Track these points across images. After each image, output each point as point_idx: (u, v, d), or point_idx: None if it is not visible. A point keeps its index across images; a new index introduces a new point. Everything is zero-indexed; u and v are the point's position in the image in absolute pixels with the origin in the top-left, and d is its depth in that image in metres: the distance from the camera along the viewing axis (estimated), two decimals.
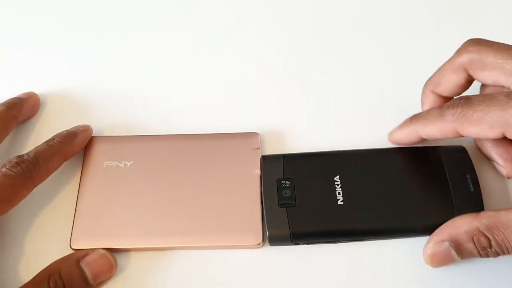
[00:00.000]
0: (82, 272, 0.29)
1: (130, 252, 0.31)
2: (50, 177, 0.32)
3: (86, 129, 0.34)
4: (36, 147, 0.32)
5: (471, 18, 0.41)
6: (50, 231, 0.32)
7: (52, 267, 0.29)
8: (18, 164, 0.30)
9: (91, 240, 0.31)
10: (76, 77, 0.39)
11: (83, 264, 0.29)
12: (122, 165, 0.33)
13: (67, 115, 0.37)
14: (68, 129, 0.34)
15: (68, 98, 0.38)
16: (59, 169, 0.32)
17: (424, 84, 0.33)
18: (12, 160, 0.30)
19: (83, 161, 0.33)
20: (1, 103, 0.34)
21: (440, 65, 0.32)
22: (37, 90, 0.37)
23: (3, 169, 0.29)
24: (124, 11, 0.43)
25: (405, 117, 0.33)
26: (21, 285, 0.28)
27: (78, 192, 0.32)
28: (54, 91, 0.38)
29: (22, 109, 0.35)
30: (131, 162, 0.33)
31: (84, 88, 0.38)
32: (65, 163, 0.33)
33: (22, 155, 0.30)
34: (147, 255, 0.31)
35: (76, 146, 0.33)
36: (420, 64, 0.37)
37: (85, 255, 0.30)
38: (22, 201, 0.30)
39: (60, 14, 0.43)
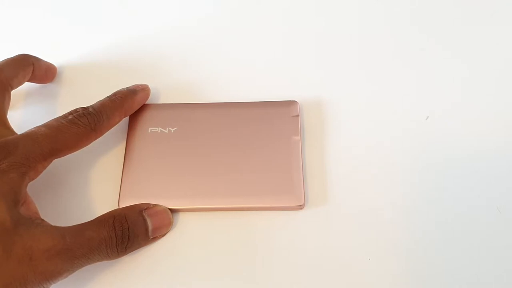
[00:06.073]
0: (145, 221, 0.30)
1: (173, 213, 0.32)
2: (99, 144, 0.33)
3: (145, 87, 0.35)
4: (99, 101, 0.33)
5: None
6: (99, 193, 0.33)
7: (117, 211, 0.30)
8: (85, 115, 0.31)
9: (138, 201, 0.32)
10: (117, 42, 0.40)
11: (146, 215, 0.30)
12: (167, 131, 0.34)
13: (112, 78, 0.38)
14: (127, 86, 0.35)
15: (113, 63, 0.39)
16: (106, 135, 0.33)
17: None
18: (78, 110, 0.31)
19: (129, 127, 0.35)
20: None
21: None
22: (66, 56, 0.39)
23: (70, 116, 0.31)
24: None
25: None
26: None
27: (125, 156, 0.33)
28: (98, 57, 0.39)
29: (40, 61, 0.36)
30: (175, 128, 0.34)
31: (128, 54, 0.39)
32: (112, 129, 0.34)
33: (87, 107, 0.32)
34: (191, 216, 0.32)
35: (135, 103, 0.34)
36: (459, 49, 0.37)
37: (147, 207, 0.31)
38: (74, 165, 0.31)
39: None
